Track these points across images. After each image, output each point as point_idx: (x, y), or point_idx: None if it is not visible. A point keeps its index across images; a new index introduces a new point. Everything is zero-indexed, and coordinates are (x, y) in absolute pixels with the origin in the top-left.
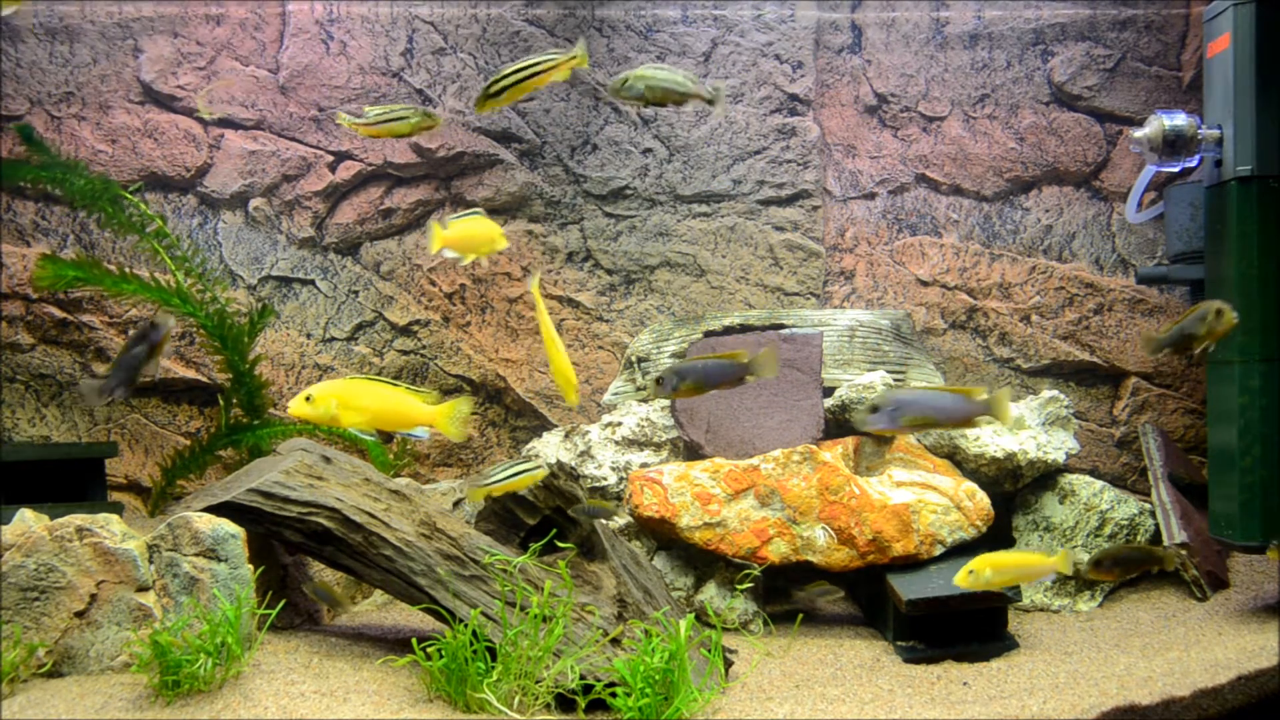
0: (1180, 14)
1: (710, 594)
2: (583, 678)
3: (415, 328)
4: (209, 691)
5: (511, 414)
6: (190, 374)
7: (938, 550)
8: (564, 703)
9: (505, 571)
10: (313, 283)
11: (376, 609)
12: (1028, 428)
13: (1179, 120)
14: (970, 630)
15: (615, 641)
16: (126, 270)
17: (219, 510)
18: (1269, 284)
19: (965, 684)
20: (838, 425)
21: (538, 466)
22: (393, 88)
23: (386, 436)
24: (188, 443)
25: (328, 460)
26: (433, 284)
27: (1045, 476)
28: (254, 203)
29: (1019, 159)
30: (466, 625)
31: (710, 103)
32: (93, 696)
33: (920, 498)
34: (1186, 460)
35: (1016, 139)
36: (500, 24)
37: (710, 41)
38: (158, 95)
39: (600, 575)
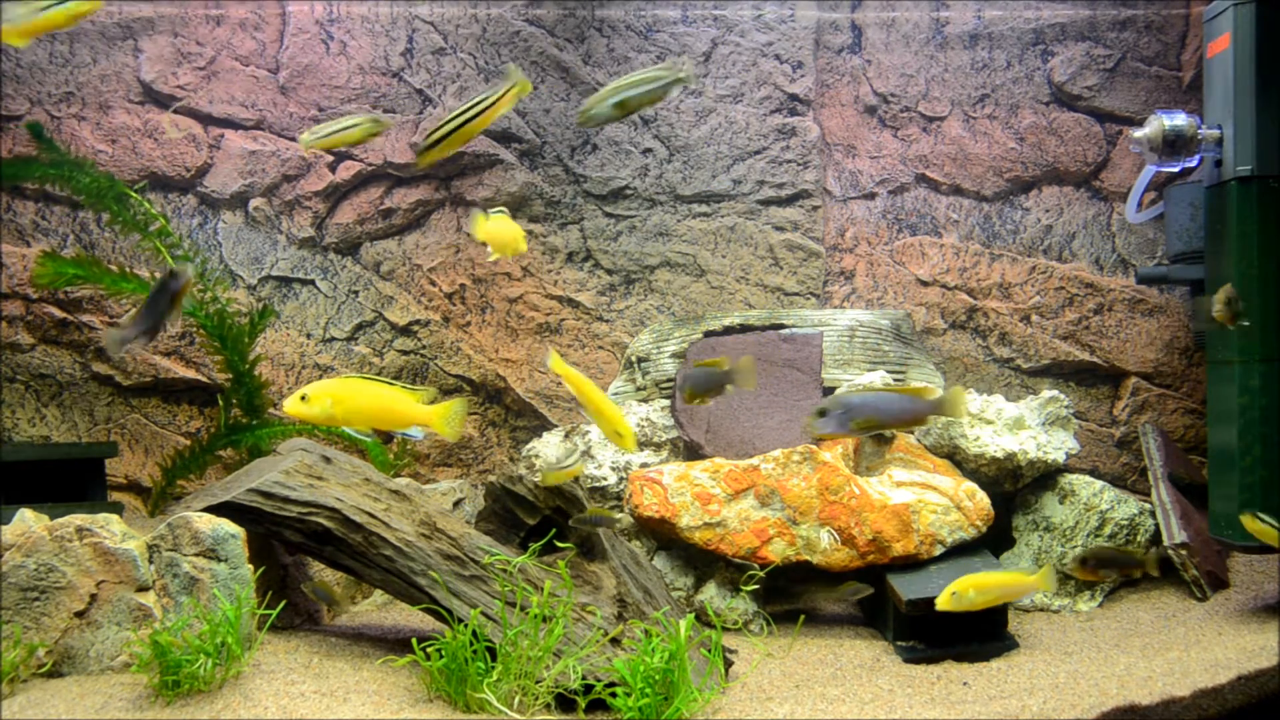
0: (1180, 14)
1: (710, 594)
2: (583, 678)
3: (415, 328)
4: (209, 691)
5: (511, 414)
6: (190, 374)
7: (938, 550)
8: (564, 703)
9: (505, 571)
10: (313, 283)
11: (376, 609)
12: (1028, 428)
13: (1179, 120)
14: (970, 630)
15: (615, 641)
16: (127, 269)
17: (219, 510)
18: (1269, 284)
19: (965, 684)
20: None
21: (579, 457)
22: (393, 87)
23: (386, 437)
24: (188, 443)
25: (328, 460)
26: (433, 284)
27: (1045, 476)
28: (254, 203)
29: (1019, 159)
30: (466, 625)
31: (683, 81)
32: (93, 696)
33: (920, 498)
34: (1186, 460)
35: (1016, 139)
36: (500, 24)
37: (710, 41)
38: (158, 95)
39: (600, 575)
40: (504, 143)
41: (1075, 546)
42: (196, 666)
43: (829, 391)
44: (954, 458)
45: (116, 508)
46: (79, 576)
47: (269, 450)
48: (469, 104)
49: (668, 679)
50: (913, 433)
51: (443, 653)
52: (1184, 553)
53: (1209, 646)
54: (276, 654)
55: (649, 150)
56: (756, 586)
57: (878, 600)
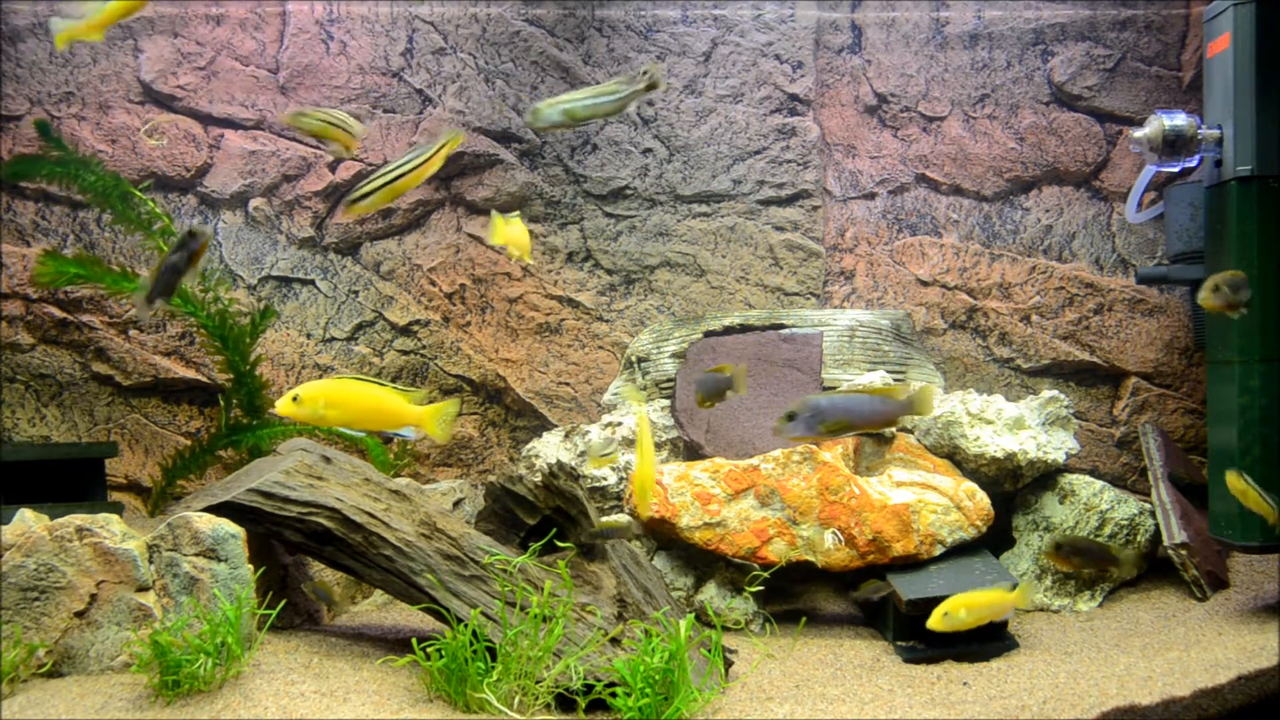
0: (1180, 14)
1: (710, 594)
2: (583, 678)
3: (415, 328)
4: (209, 691)
5: (511, 414)
6: (190, 374)
7: (938, 550)
8: (564, 703)
9: (505, 571)
10: (313, 283)
11: (376, 609)
12: (1028, 428)
13: (1179, 120)
14: (970, 630)
15: (615, 641)
16: (128, 269)
17: (219, 510)
18: (1269, 284)
19: (965, 684)
20: None
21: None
22: (393, 87)
23: (386, 438)
24: (188, 443)
25: (328, 460)
26: (433, 284)
27: (1045, 476)
28: (254, 203)
29: (1019, 159)
30: (466, 625)
31: (651, 88)
32: (93, 696)
33: (920, 498)
34: (1186, 460)
35: (1016, 139)
36: (500, 24)
37: (710, 41)
38: (158, 95)
39: (600, 575)
40: (504, 143)
41: None
42: (196, 666)
43: (829, 391)
44: (954, 458)
45: (116, 508)
46: (79, 576)
47: (269, 450)
48: (400, 161)
49: (668, 679)
50: (884, 434)
51: (443, 653)
52: (1184, 553)
53: (1209, 646)
54: (276, 654)
55: (649, 150)
56: (759, 588)
57: (878, 600)
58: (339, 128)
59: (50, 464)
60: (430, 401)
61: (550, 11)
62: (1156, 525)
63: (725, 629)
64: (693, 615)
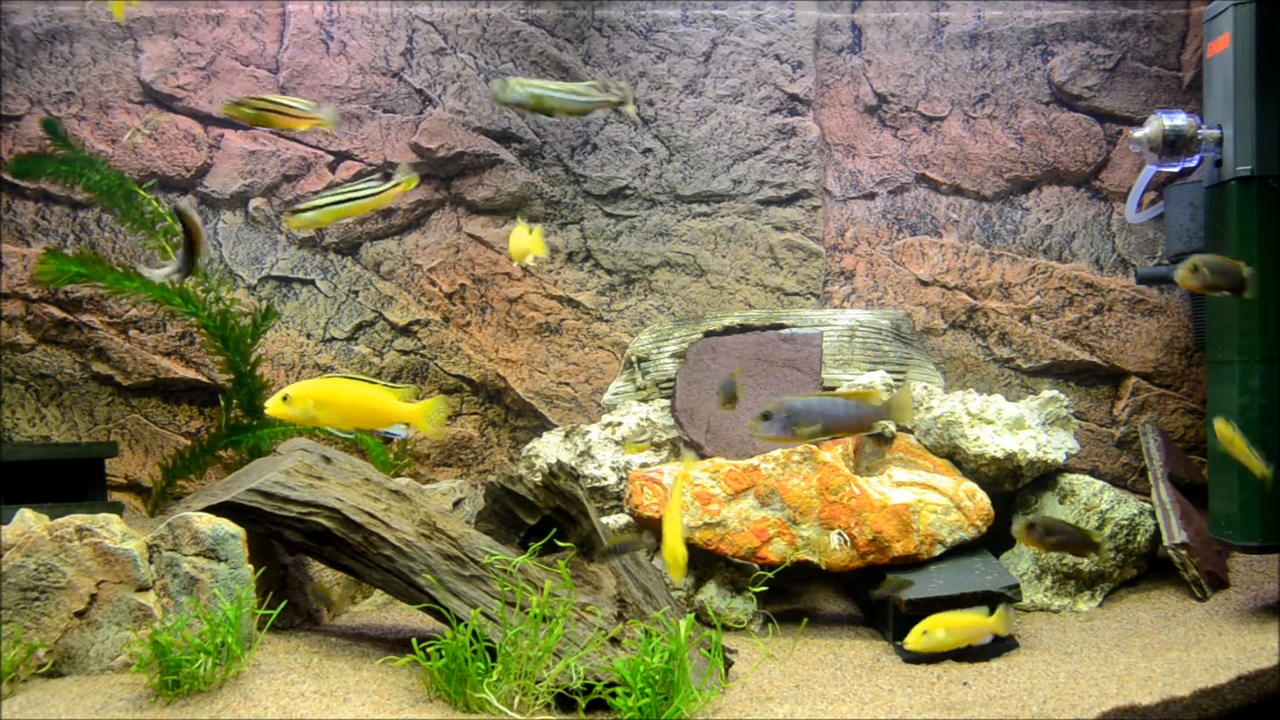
0: (1180, 14)
1: (710, 594)
2: (583, 678)
3: (415, 328)
4: (209, 691)
5: (511, 414)
6: (190, 374)
7: (938, 550)
8: (564, 703)
9: (505, 571)
10: (313, 283)
11: (376, 609)
12: (1028, 428)
13: (1179, 120)
14: None
15: (615, 641)
16: (129, 268)
17: (219, 510)
18: (1269, 284)
19: (965, 684)
20: None
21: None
22: (393, 87)
23: (386, 437)
24: (188, 443)
25: (328, 460)
26: (433, 284)
27: (1045, 476)
28: (254, 203)
29: (1019, 159)
30: (466, 625)
31: (620, 106)
32: (93, 696)
33: (920, 498)
34: (1186, 460)
35: (1016, 139)
36: (500, 24)
37: (710, 41)
38: (158, 95)
39: (600, 575)
40: (504, 143)
41: None
42: (196, 666)
43: (829, 391)
44: (954, 458)
45: (116, 508)
46: (79, 576)
47: (269, 451)
48: (355, 188)
49: (668, 679)
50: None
51: (443, 653)
52: (1184, 553)
53: (1209, 646)
54: (276, 654)
55: (649, 150)
56: (763, 588)
57: (878, 600)
58: (279, 112)
59: (50, 464)
60: (420, 398)
61: (550, 11)
62: (1156, 525)
63: (725, 629)
64: (693, 615)
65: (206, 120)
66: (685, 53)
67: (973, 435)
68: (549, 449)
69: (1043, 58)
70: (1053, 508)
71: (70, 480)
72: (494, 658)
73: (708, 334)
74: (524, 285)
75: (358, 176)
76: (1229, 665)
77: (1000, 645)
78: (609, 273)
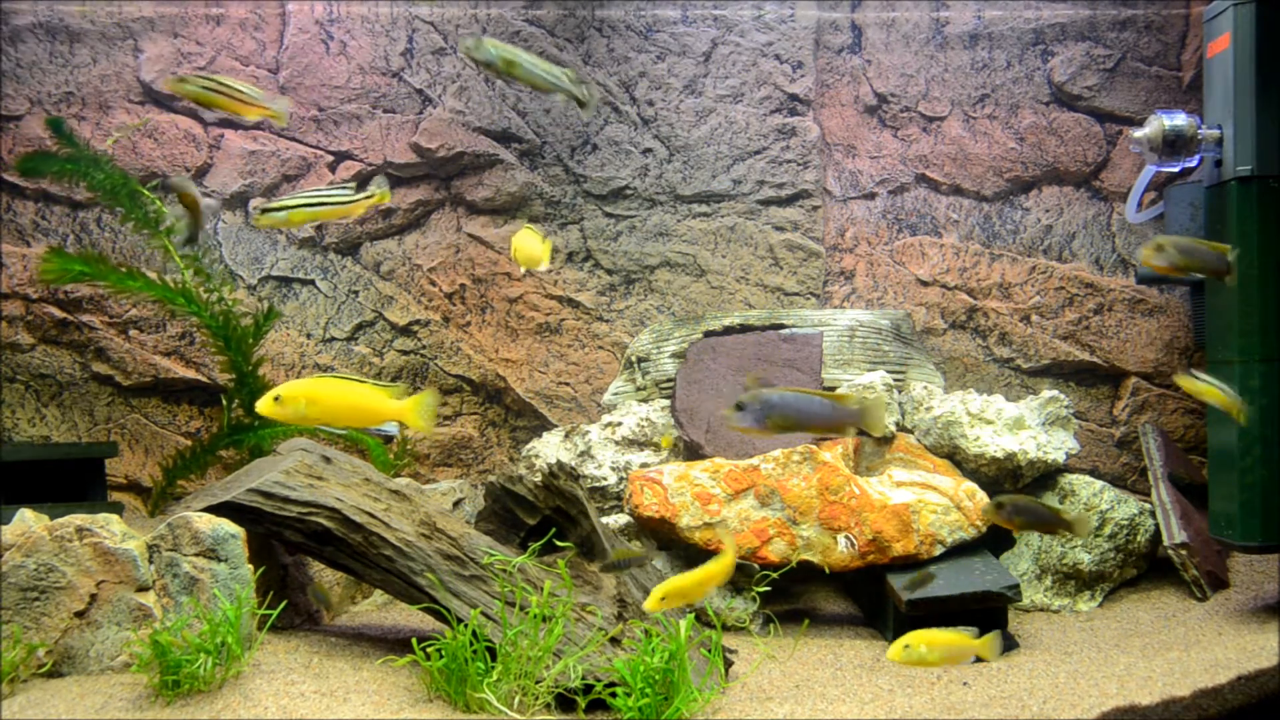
0: (1180, 14)
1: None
2: (583, 678)
3: (415, 328)
4: (209, 691)
5: (511, 414)
6: (190, 374)
7: (938, 550)
8: (564, 703)
9: (505, 571)
10: (313, 283)
11: (376, 609)
12: (1028, 428)
13: (1179, 120)
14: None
15: (615, 641)
16: (134, 268)
17: (219, 510)
18: (1269, 284)
19: (965, 684)
20: None
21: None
22: (393, 87)
23: (387, 436)
24: (188, 443)
25: (328, 460)
26: (433, 284)
27: (1045, 476)
28: (254, 203)
29: (1019, 159)
30: (466, 625)
31: (581, 104)
32: (93, 696)
33: (920, 498)
34: (1186, 460)
35: (1016, 139)
36: (500, 24)
37: (710, 41)
38: (158, 95)
39: (600, 575)
40: (504, 143)
41: (1075, 547)
42: (196, 666)
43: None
44: (954, 458)
45: (116, 508)
46: (79, 576)
47: (270, 450)
48: (328, 193)
49: (668, 679)
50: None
51: (443, 653)
52: (1184, 553)
53: (1209, 646)
54: (276, 654)
55: (649, 150)
56: (766, 588)
57: (877, 600)
58: (226, 94)
59: (50, 464)
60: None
61: (550, 11)
62: (1156, 525)
63: (725, 629)
64: (693, 615)
65: (206, 120)
66: (685, 53)
67: (973, 435)
68: (549, 449)
69: (1043, 58)
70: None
71: (70, 480)
72: (494, 658)
73: (708, 334)
74: (524, 285)
75: (359, 181)
76: (1229, 665)
77: (1001, 645)
78: (609, 273)
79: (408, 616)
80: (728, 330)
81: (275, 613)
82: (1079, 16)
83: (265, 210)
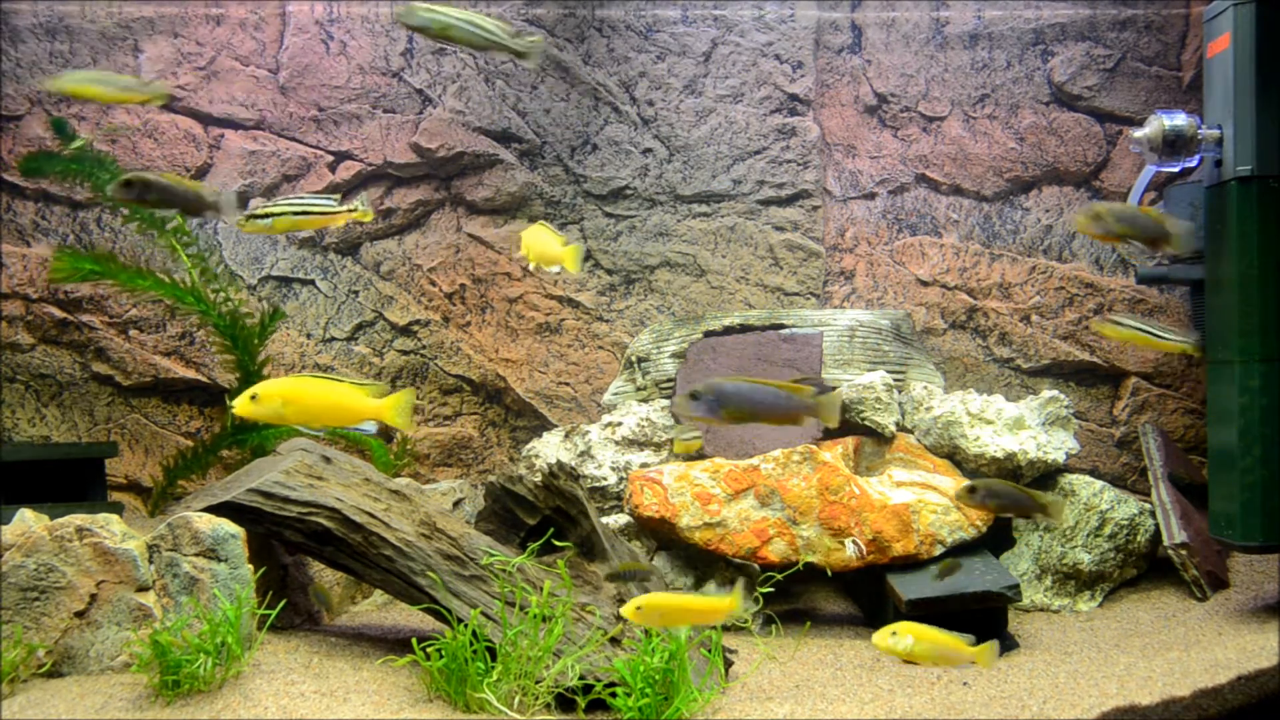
0: (1180, 14)
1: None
2: (582, 678)
3: (415, 328)
4: (209, 691)
5: (511, 414)
6: (190, 374)
7: (938, 550)
8: (564, 703)
9: (505, 571)
10: (313, 283)
11: (376, 609)
12: (1028, 428)
13: (1179, 120)
14: (970, 630)
15: (615, 641)
16: (143, 266)
17: (219, 510)
18: (1269, 284)
19: (965, 684)
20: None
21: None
22: (393, 87)
23: (388, 436)
24: (188, 443)
25: (328, 460)
26: (433, 284)
27: (1045, 476)
28: (254, 203)
29: (1019, 159)
30: (466, 625)
31: (521, 55)
32: (93, 696)
33: (920, 498)
34: (1186, 460)
35: (1016, 139)
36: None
37: (710, 41)
38: None
39: (600, 575)
40: (504, 143)
41: (1075, 547)
42: (196, 666)
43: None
44: (954, 458)
45: (116, 508)
46: (79, 576)
47: (272, 450)
48: (313, 202)
49: (668, 679)
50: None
51: (443, 653)
52: (1184, 553)
53: (1209, 646)
54: (276, 654)
55: (649, 150)
56: (770, 589)
57: (877, 600)
58: (99, 83)
59: (50, 464)
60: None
61: (550, 11)
62: (1156, 525)
63: (726, 629)
64: None
65: (207, 120)
66: (685, 53)
67: (973, 435)
68: (549, 449)
69: (1043, 58)
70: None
71: (70, 480)
72: (494, 658)
73: (708, 334)
74: (524, 285)
75: (360, 181)
76: (1229, 665)
77: (1000, 645)
78: (609, 273)
79: (408, 616)
80: (728, 330)
81: (275, 613)
82: (1079, 16)
83: (250, 217)
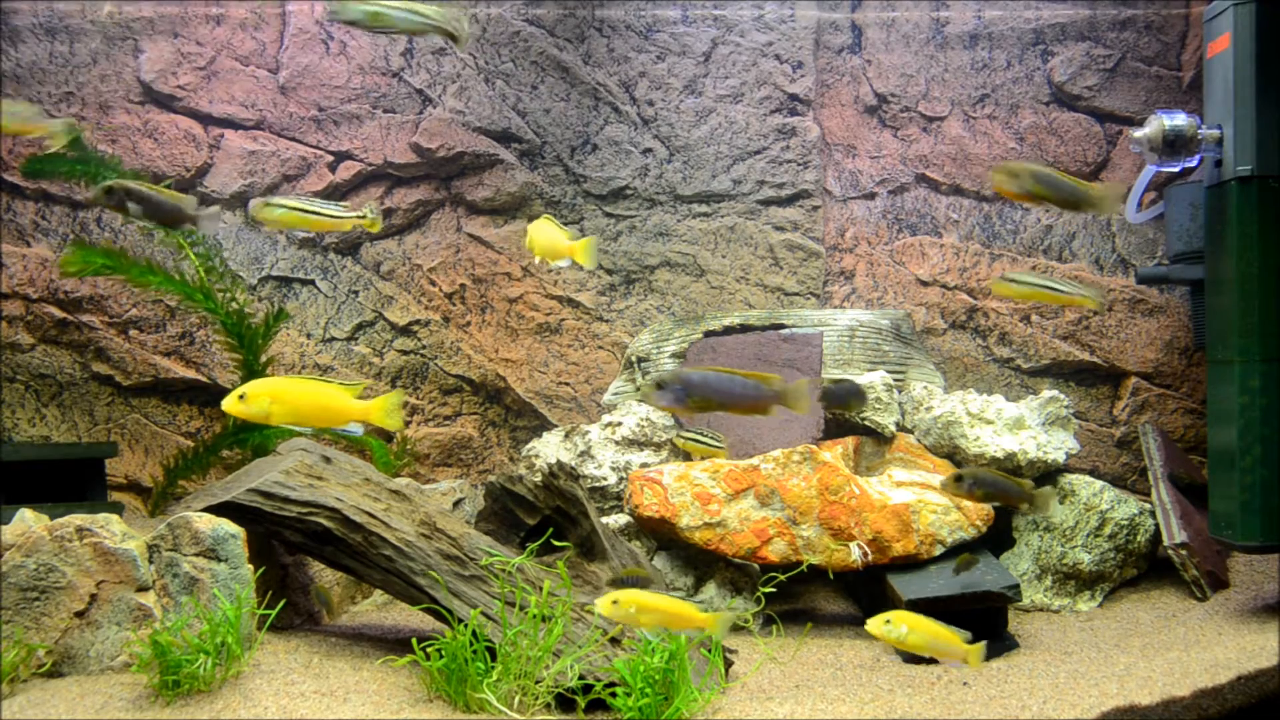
0: (1180, 14)
1: (710, 594)
2: (582, 677)
3: (415, 328)
4: (209, 691)
5: (511, 414)
6: (190, 374)
7: (938, 550)
8: (564, 703)
9: (505, 571)
10: (313, 283)
11: (376, 609)
12: (1028, 428)
13: (1179, 120)
14: (970, 630)
15: (615, 641)
16: (153, 262)
17: (219, 510)
18: (1269, 284)
19: (965, 684)
20: (838, 425)
21: (720, 445)
22: (393, 87)
23: (387, 436)
24: (188, 443)
25: (328, 460)
26: (433, 284)
27: (1045, 476)
28: (254, 203)
29: (1019, 159)
30: (466, 625)
31: (454, 38)
32: (93, 696)
33: (920, 498)
34: (1186, 460)
35: (1016, 139)
36: (500, 24)
37: (710, 41)
38: (158, 95)
39: (600, 575)
40: (504, 143)
41: (1075, 547)
42: (196, 666)
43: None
44: (954, 458)
45: (116, 508)
46: (79, 576)
47: (273, 450)
48: (323, 204)
49: (668, 679)
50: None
51: (443, 653)
52: (1184, 553)
53: (1209, 646)
54: (276, 654)
55: (649, 150)
56: (772, 589)
57: (877, 600)
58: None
59: (50, 464)
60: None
61: (550, 11)
62: (1156, 525)
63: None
64: None
65: (206, 120)
66: (685, 53)
67: (973, 435)
68: (549, 449)
69: (1043, 58)
70: (1052, 508)
71: (70, 480)
72: (494, 658)
73: (708, 334)
74: (524, 285)
75: (360, 180)
76: (1229, 665)
77: (1000, 645)
78: (609, 273)
79: (408, 616)
80: (728, 330)
81: (275, 613)
82: (1079, 16)
83: (268, 204)
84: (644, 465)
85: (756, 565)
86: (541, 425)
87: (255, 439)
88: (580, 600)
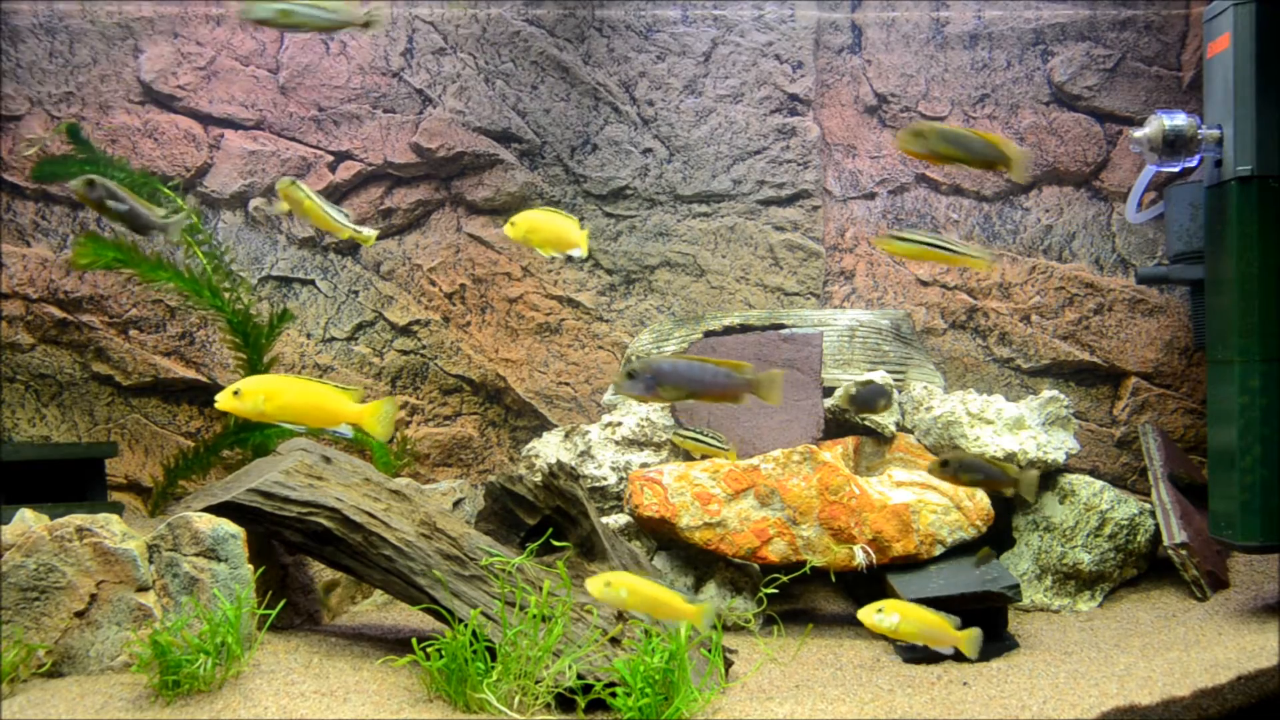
0: (1180, 14)
1: (710, 594)
2: (582, 677)
3: (415, 328)
4: (209, 691)
5: (511, 414)
6: (190, 374)
7: (938, 550)
8: (564, 702)
9: (505, 571)
10: (313, 283)
11: (376, 609)
12: (1028, 428)
13: (1179, 120)
14: None
15: (615, 641)
16: (162, 258)
17: (219, 510)
18: (1269, 284)
19: (965, 684)
20: (838, 425)
21: (724, 446)
22: (393, 87)
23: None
24: (188, 443)
25: (328, 460)
26: (433, 284)
27: (1045, 476)
28: (254, 203)
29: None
30: (466, 625)
31: (366, 25)
32: (93, 696)
33: (920, 497)
34: (1186, 460)
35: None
36: (500, 24)
37: (710, 41)
38: (158, 95)
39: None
40: (504, 143)
41: (1075, 547)
42: (196, 666)
43: (829, 392)
44: None
45: (116, 508)
46: (79, 576)
47: (273, 450)
48: (331, 207)
49: (668, 679)
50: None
51: (443, 653)
52: (1184, 553)
53: (1209, 646)
54: (276, 654)
55: (649, 150)
56: (774, 589)
57: (877, 600)
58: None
59: (50, 464)
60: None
61: (550, 11)
62: (1156, 525)
63: (727, 629)
64: None
65: (206, 120)
66: (685, 53)
67: (973, 435)
68: (549, 449)
69: (1043, 58)
70: (1053, 508)
71: (70, 480)
72: (494, 658)
73: (708, 334)
74: (524, 285)
75: (360, 180)
76: (1229, 665)
77: (1000, 645)
78: (609, 273)
79: (408, 616)
80: (728, 330)
81: (275, 613)
82: (1079, 16)
83: (294, 183)
84: (644, 465)
85: (756, 565)
86: (541, 425)
87: (255, 439)
88: (580, 600)
